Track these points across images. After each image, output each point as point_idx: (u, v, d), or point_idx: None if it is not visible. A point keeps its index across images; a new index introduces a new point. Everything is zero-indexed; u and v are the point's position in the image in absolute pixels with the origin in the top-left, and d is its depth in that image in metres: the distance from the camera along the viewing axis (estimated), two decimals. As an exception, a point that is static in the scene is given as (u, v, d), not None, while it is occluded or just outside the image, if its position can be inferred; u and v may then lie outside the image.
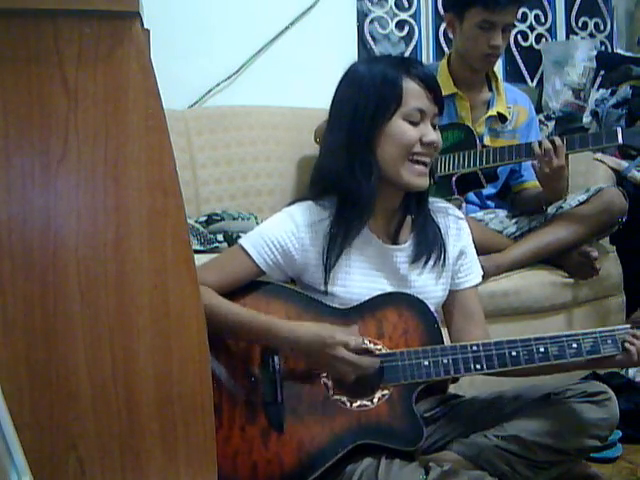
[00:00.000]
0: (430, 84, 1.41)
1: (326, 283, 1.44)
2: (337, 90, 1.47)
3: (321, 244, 1.43)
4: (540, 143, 1.97)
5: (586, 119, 2.90)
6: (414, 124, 1.40)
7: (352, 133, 1.41)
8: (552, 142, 1.95)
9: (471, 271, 1.56)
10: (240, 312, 1.39)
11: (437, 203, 1.56)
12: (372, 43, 2.97)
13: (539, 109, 3.06)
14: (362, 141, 1.40)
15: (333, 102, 1.48)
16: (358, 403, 1.37)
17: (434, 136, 1.41)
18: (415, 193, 1.47)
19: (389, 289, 1.46)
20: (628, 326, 1.40)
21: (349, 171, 1.41)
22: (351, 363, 1.33)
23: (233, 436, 1.35)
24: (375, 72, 1.41)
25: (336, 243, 1.42)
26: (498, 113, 2.22)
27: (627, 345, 1.37)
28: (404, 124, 1.40)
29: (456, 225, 1.55)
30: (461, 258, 1.54)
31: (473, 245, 1.58)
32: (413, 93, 1.40)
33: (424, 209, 1.50)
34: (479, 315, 1.55)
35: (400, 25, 3.03)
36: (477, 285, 1.57)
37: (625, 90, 2.80)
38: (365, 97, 1.40)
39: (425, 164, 1.42)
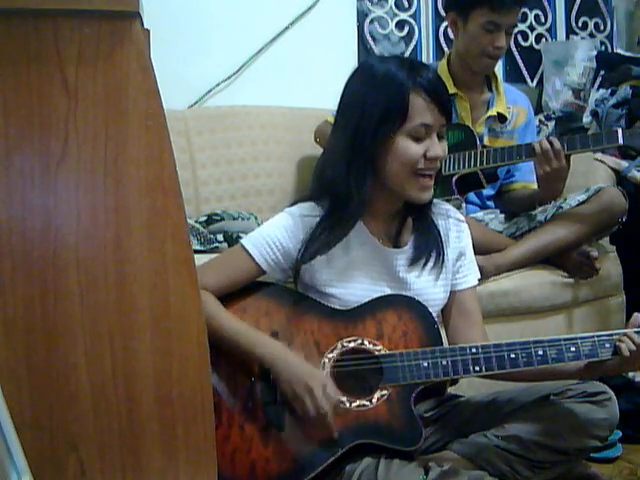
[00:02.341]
0: (438, 96, 1.38)
1: (295, 278, 1.45)
2: (345, 90, 1.46)
3: None
4: (540, 144, 1.97)
5: (586, 119, 2.90)
6: (419, 140, 1.39)
7: (354, 142, 1.40)
8: (551, 143, 1.95)
9: (469, 272, 1.55)
10: (230, 326, 1.38)
11: (438, 205, 1.55)
12: (372, 43, 2.97)
13: (539, 109, 3.06)
14: (363, 152, 1.39)
15: (340, 103, 1.47)
16: (357, 403, 1.37)
17: (438, 150, 1.40)
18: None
19: (388, 292, 1.46)
20: (627, 330, 1.39)
21: (344, 178, 1.41)
22: (319, 407, 1.32)
23: (232, 435, 1.35)
24: (382, 83, 1.38)
25: (314, 243, 1.42)
26: (498, 113, 2.22)
27: (618, 343, 1.37)
28: (407, 141, 1.38)
29: (457, 228, 1.54)
30: (460, 259, 1.54)
31: (472, 247, 1.57)
32: (419, 109, 1.37)
33: (426, 212, 1.50)
34: (477, 316, 1.55)
35: (400, 25, 3.03)
36: (475, 286, 1.57)
37: (625, 90, 2.80)
38: (370, 109, 1.38)
39: (430, 176, 1.42)
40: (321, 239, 1.42)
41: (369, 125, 1.38)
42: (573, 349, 1.37)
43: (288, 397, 1.35)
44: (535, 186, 2.16)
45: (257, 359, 1.38)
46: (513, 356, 1.38)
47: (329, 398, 1.33)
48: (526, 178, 2.25)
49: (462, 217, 1.58)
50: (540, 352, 1.37)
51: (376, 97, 1.38)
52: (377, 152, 1.40)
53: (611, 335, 1.39)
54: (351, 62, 1.47)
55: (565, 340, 1.38)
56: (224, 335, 1.37)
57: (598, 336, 1.39)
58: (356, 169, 1.40)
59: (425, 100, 1.37)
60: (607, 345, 1.38)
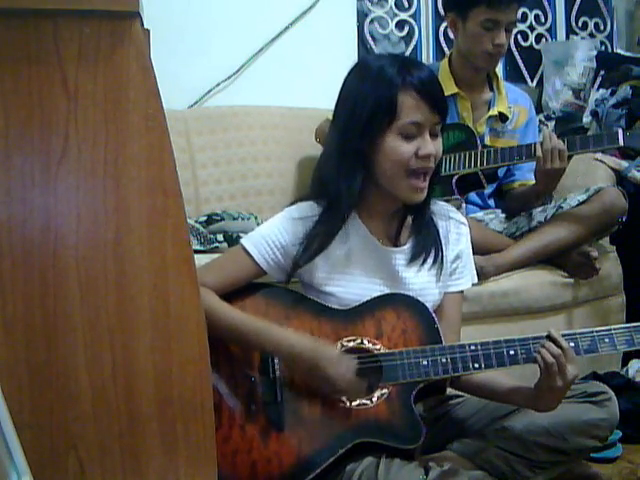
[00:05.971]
0: (428, 94, 1.37)
1: (289, 278, 1.45)
2: (342, 88, 1.46)
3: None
4: (546, 142, 1.97)
5: (586, 119, 2.90)
6: (410, 138, 1.37)
7: (345, 141, 1.40)
8: (554, 145, 1.95)
9: (462, 276, 1.54)
10: (237, 316, 1.39)
11: (439, 205, 1.54)
12: (372, 43, 2.97)
13: (539, 109, 3.06)
14: (351, 151, 1.39)
15: (336, 104, 1.47)
16: (357, 402, 1.37)
17: (430, 149, 1.38)
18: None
19: (387, 291, 1.46)
20: (631, 324, 1.40)
21: (335, 176, 1.41)
22: (340, 383, 1.33)
23: (233, 435, 1.35)
24: (372, 81, 1.38)
25: (312, 244, 1.42)
26: (499, 113, 2.22)
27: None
28: (397, 140, 1.37)
29: (457, 230, 1.54)
30: (456, 262, 1.53)
31: (471, 250, 1.56)
32: (408, 107, 1.36)
33: (425, 211, 1.50)
34: (455, 321, 1.53)
35: (400, 25, 3.03)
36: (461, 291, 1.55)
37: (625, 90, 2.80)
38: (360, 107, 1.38)
39: (424, 176, 1.40)
40: (317, 240, 1.42)
41: (358, 124, 1.38)
42: (572, 345, 1.37)
43: (304, 379, 1.36)
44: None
45: (260, 346, 1.38)
46: (512, 352, 1.38)
47: (347, 372, 1.33)
48: (526, 177, 2.25)
49: (463, 219, 1.57)
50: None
51: (366, 95, 1.38)
52: (368, 151, 1.39)
53: (610, 330, 1.39)
54: (351, 62, 1.47)
55: (564, 336, 1.38)
56: (224, 327, 1.37)
57: (597, 331, 1.39)
58: (345, 168, 1.40)
59: (415, 98, 1.36)
60: (606, 340, 1.38)
